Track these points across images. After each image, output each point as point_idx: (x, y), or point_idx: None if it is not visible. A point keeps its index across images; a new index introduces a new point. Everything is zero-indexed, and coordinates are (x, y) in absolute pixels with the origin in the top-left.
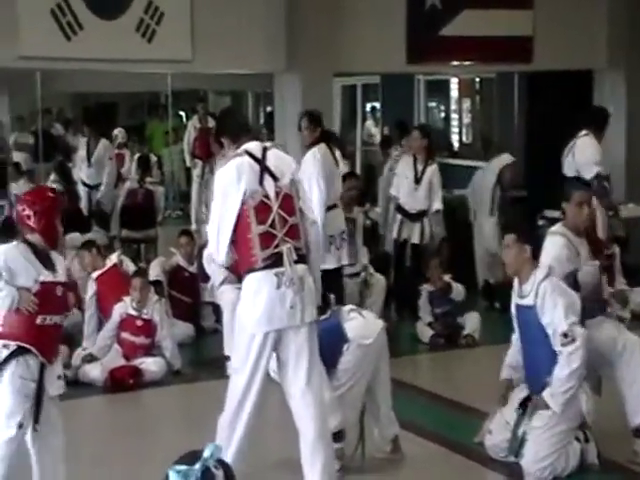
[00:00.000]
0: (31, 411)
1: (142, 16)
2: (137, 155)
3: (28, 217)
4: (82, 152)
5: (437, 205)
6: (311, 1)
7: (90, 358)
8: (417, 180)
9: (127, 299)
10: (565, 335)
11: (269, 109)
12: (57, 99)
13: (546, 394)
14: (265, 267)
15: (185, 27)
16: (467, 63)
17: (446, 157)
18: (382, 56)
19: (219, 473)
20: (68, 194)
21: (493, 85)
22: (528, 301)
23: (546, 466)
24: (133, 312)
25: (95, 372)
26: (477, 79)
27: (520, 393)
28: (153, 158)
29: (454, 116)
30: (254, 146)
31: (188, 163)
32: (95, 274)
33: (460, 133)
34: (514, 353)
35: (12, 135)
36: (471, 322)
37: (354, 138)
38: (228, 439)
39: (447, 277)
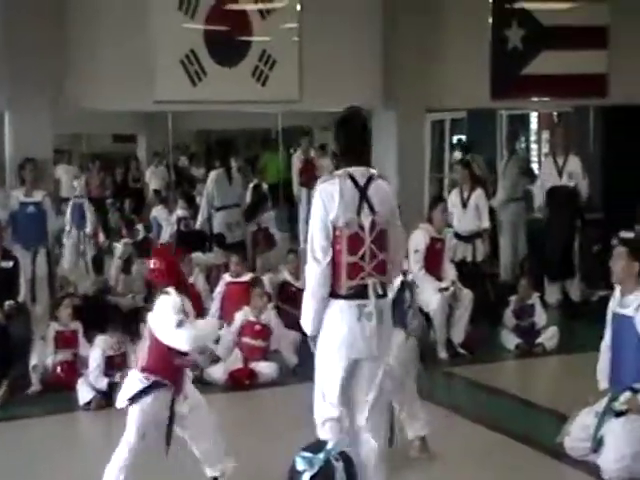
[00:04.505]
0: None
1: (257, 63)
2: (252, 184)
3: (158, 276)
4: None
5: (484, 224)
6: (404, 45)
7: (216, 358)
8: (464, 205)
9: (246, 308)
10: None
11: None
12: (183, 136)
13: None
14: (348, 296)
15: (293, 72)
16: (546, 99)
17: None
18: (469, 93)
19: (339, 465)
20: (192, 219)
21: (570, 118)
22: (628, 311)
23: (623, 467)
24: (252, 318)
25: (218, 373)
26: (555, 112)
27: (601, 400)
28: (265, 186)
29: (534, 146)
30: (360, 172)
31: (295, 191)
32: (227, 279)
33: (539, 162)
34: (606, 363)
35: (148, 168)
36: (546, 334)
37: (442, 167)
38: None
39: (535, 296)
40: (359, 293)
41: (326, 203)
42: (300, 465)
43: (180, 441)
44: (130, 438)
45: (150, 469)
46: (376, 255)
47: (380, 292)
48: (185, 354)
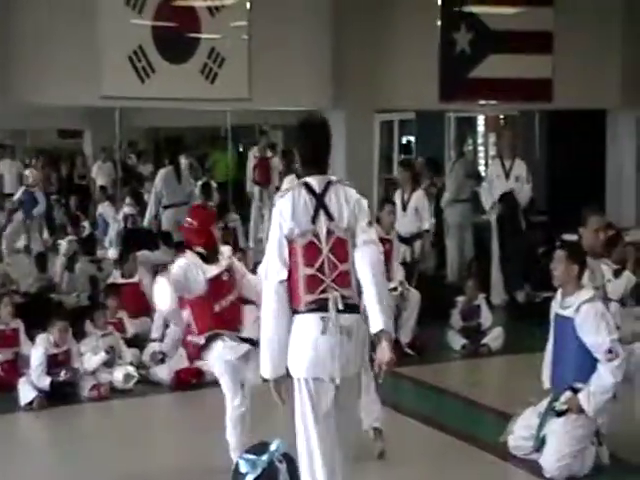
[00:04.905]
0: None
1: (206, 61)
2: (200, 182)
3: (191, 235)
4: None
5: (425, 226)
6: (354, 46)
7: (162, 356)
8: (404, 207)
9: None
10: (609, 351)
11: None
12: (132, 133)
13: (582, 397)
14: (309, 311)
15: (243, 70)
16: (493, 102)
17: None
18: (417, 95)
19: (282, 467)
20: (140, 216)
21: (516, 121)
22: (568, 313)
23: (563, 466)
24: None
25: (163, 373)
26: (502, 116)
27: (544, 400)
28: (214, 185)
29: (481, 149)
30: (316, 181)
31: (248, 188)
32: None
33: (487, 164)
34: (549, 364)
35: (95, 164)
36: (492, 334)
37: (391, 167)
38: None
39: (481, 297)
40: (320, 308)
41: (281, 220)
42: (243, 467)
43: None
44: (229, 392)
45: None
46: (336, 266)
47: (341, 307)
48: (220, 297)
